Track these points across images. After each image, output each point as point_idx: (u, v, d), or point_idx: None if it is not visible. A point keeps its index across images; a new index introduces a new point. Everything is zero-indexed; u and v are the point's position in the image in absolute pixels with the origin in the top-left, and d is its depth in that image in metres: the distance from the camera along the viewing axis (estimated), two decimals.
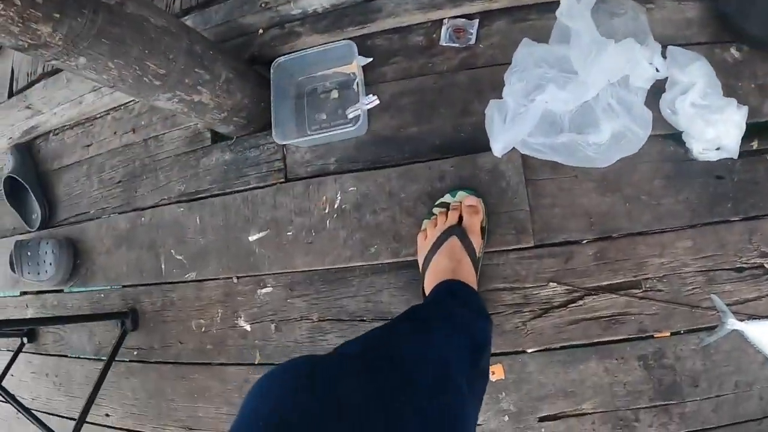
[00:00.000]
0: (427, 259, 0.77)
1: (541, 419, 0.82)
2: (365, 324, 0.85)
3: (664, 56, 0.79)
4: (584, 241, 0.82)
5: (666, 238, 0.81)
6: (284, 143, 0.89)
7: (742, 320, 0.76)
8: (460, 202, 0.80)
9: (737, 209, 0.80)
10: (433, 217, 0.81)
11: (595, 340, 0.80)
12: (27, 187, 1.18)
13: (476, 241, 0.77)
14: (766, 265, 0.80)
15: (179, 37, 0.74)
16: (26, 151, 1.25)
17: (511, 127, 0.77)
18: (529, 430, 0.82)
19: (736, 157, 0.79)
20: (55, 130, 1.22)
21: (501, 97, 0.81)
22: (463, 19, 0.90)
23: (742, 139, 0.78)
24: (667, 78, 0.81)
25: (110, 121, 1.14)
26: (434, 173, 0.84)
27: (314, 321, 0.88)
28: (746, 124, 0.79)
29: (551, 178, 0.83)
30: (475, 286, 0.75)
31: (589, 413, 0.81)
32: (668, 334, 0.81)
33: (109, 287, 1.09)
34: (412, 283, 0.84)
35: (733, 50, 0.84)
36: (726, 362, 0.79)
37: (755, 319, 0.77)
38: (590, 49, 0.74)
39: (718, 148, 0.82)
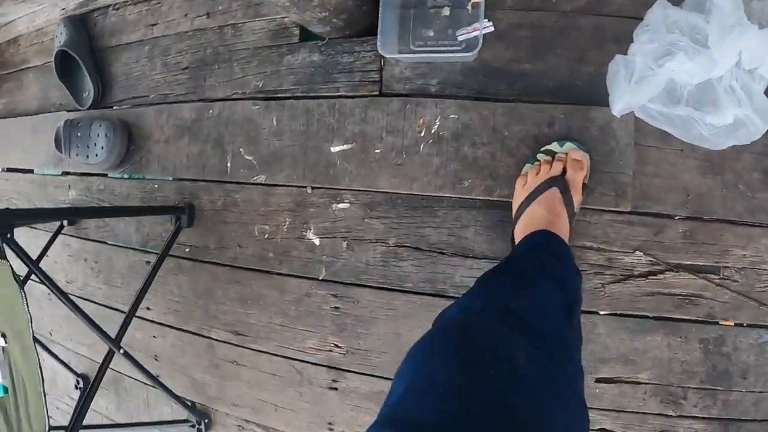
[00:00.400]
0: (523, 206, 0.75)
1: (598, 380, 0.84)
2: (444, 257, 0.84)
3: None
4: (677, 217, 0.81)
5: (754, 232, 0.80)
6: (389, 56, 0.83)
7: None
8: (567, 154, 0.77)
9: None
10: (536, 163, 0.78)
11: (666, 315, 0.81)
12: (80, 62, 1.10)
13: (576, 197, 0.75)
14: None
15: None
16: (81, 24, 1.16)
17: (637, 89, 0.73)
18: (586, 387, 0.85)
19: None
20: (115, 3, 1.13)
21: (626, 53, 0.77)
22: None
23: None
24: None
25: (181, 1, 1.05)
26: (543, 117, 0.80)
27: (390, 245, 0.87)
28: None
29: (659, 147, 0.80)
30: (567, 241, 0.75)
31: (644, 383, 0.84)
32: (732, 324, 0.82)
33: (164, 178, 1.05)
34: (500, 224, 0.83)
35: None
36: None
37: None
38: (732, 29, 0.69)
39: None
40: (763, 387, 0.81)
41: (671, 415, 0.84)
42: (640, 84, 0.73)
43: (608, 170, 0.79)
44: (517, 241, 0.75)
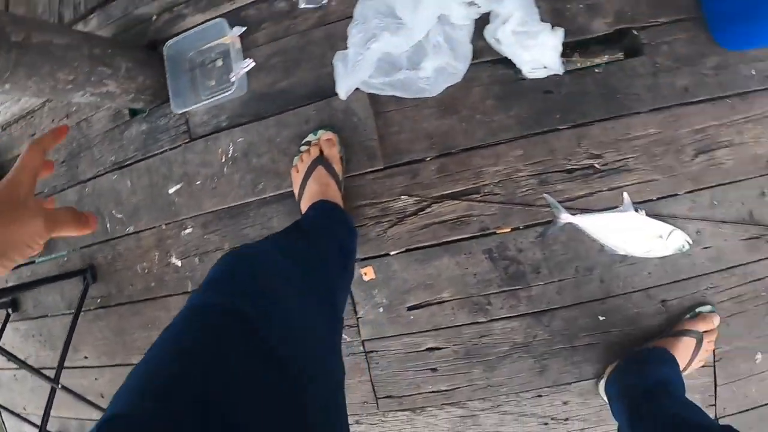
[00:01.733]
0: (302, 188, 0.99)
1: (410, 308, 1.05)
2: None
3: None
4: (428, 159, 1.04)
5: (500, 150, 1.00)
6: (179, 112, 1.11)
7: (574, 214, 0.97)
8: (319, 138, 1.01)
9: (565, 119, 0.99)
10: (301, 154, 1.03)
11: (444, 240, 1.02)
12: None
13: (338, 168, 0.99)
14: (596, 165, 0.99)
15: (80, 47, 0.95)
16: None
17: (352, 72, 0.98)
18: (400, 317, 1.06)
19: (561, 73, 0.96)
20: (3, 126, 1.45)
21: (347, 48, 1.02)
22: None
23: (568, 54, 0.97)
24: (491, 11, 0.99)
25: (47, 111, 1.37)
26: (301, 118, 1.06)
27: (225, 249, 1.13)
28: (576, 41, 0.97)
29: (396, 109, 1.04)
30: (340, 204, 0.98)
31: (448, 300, 1.04)
32: (509, 229, 1.01)
33: (69, 251, 1.34)
34: (294, 209, 1.08)
35: None
36: (564, 251, 1.00)
37: (588, 212, 0.97)
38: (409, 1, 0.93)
39: (545, 67, 1.02)
40: (560, 275, 1.00)
41: (483, 321, 1.04)
42: (354, 68, 0.97)
43: (358, 140, 1.04)
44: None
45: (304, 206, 0.97)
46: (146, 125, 1.21)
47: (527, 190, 1.00)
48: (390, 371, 1.07)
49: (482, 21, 0.98)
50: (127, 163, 1.23)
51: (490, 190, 1.02)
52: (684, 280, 0.99)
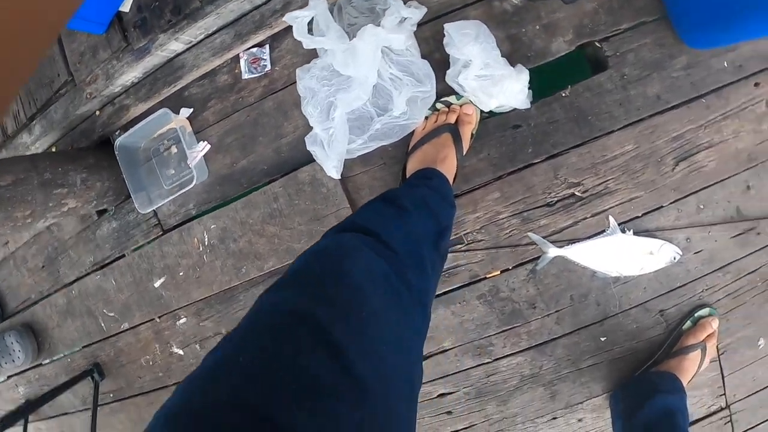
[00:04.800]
0: (418, 144, 0.93)
1: None
2: None
3: None
4: None
5: (476, 195, 1.02)
6: (146, 211, 1.14)
7: (561, 247, 1.01)
8: (461, 106, 0.95)
9: (538, 151, 1.00)
10: (437, 111, 0.96)
11: (437, 293, 1.06)
12: None
13: (465, 145, 0.94)
14: (577, 193, 1.01)
15: (28, 179, 0.97)
16: None
17: (331, 150, 0.96)
18: None
19: (529, 107, 0.96)
20: None
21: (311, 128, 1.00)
22: (256, 48, 1.09)
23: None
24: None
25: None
26: (269, 197, 1.09)
27: (223, 333, 1.19)
28: (538, 66, 0.96)
29: (363, 171, 1.06)
30: (451, 179, 0.91)
31: (450, 348, 1.10)
32: (498, 272, 1.05)
33: (70, 352, 1.41)
34: None
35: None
36: (557, 283, 1.04)
37: (575, 242, 1.01)
38: (345, 56, 0.91)
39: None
40: (556, 306, 1.05)
41: (488, 361, 1.10)
42: (331, 144, 0.96)
43: (330, 212, 1.07)
44: (408, 175, 0.92)
45: (411, 165, 0.94)
46: (116, 223, 1.24)
47: (511, 230, 1.04)
48: None
49: (443, 64, 0.97)
50: (107, 262, 1.27)
51: (473, 237, 1.05)
52: (679, 287, 1.03)
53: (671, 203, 1.00)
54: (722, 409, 1.10)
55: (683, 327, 1.05)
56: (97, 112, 1.18)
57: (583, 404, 1.12)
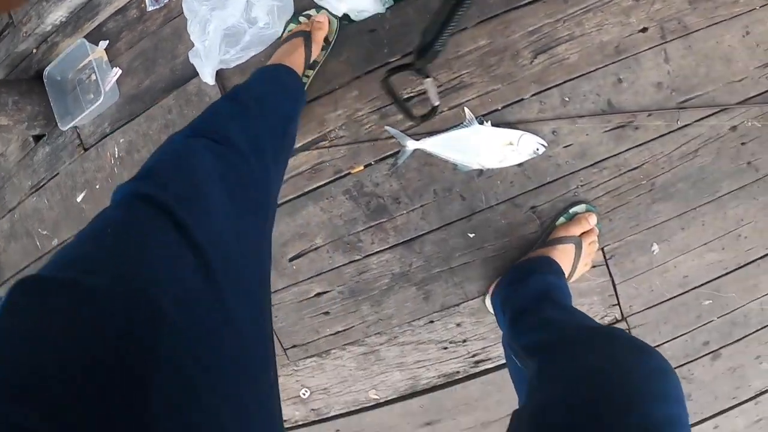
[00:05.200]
0: (275, 51, 1.07)
1: (291, 259, 1.20)
2: None
3: None
4: None
5: (337, 95, 1.11)
6: (65, 128, 1.30)
7: (419, 140, 1.07)
8: (312, 18, 1.08)
9: (393, 51, 1.06)
10: (298, 24, 1.09)
11: (305, 190, 1.16)
12: None
13: (315, 49, 1.04)
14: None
15: None
16: None
17: (207, 60, 1.11)
18: (285, 269, 1.21)
19: (383, 11, 1.05)
20: None
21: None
22: None
23: None
24: None
25: None
26: (164, 110, 1.23)
27: None
28: None
29: (240, 80, 1.18)
30: (299, 72, 1.01)
31: (322, 245, 1.18)
32: (362, 168, 1.12)
33: (16, 273, 1.57)
34: None
35: None
36: (419, 177, 1.09)
37: (433, 134, 1.06)
38: None
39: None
40: (420, 201, 1.11)
41: (359, 258, 1.18)
42: (207, 55, 1.11)
43: None
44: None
45: (275, 59, 1.05)
46: (48, 147, 1.40)
47: (370, 126, 1.11)
48: (289, 322, 1.23)
49: None
50: (42, 184, 1.43)
51: (336, 134, 1.13)
52: (550, 182, 1.04)
53: (532, 95, 1.02)
54: (618, 321, 1.10)
55: (557, 223, 1.05)
56: (34, 50, 1.37)
57: (460, 307, 1.16)
